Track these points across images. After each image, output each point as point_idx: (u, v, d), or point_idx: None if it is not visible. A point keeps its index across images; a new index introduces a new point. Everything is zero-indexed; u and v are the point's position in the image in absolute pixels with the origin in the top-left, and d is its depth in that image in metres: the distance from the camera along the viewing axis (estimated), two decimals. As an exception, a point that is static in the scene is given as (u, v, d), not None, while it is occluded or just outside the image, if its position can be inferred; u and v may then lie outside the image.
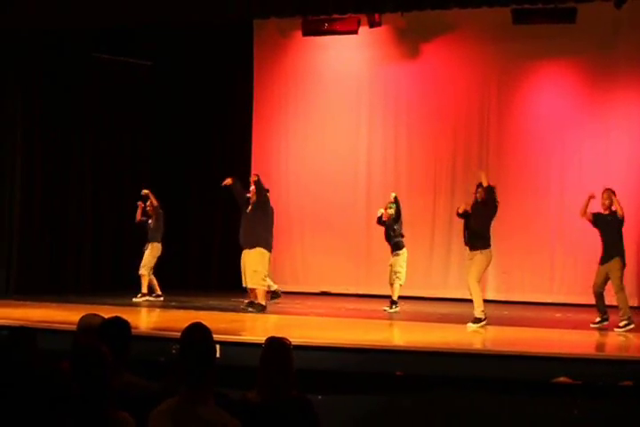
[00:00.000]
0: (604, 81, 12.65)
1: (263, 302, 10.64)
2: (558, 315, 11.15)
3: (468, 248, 9.73)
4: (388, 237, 11.24)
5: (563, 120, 12.85)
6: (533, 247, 12.65)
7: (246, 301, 10.93)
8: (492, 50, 13.01)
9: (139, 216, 12.28)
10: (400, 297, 11.29)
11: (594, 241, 12.40)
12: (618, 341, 9.04)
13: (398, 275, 11.06)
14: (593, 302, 9.86)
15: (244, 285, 10.90)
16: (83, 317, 4.71)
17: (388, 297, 11.19)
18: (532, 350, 7.67)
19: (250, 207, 10.77)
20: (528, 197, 12.88)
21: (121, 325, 4.39)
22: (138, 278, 12.08)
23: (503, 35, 12.76)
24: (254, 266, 10.58)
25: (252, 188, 10.82)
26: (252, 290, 10.73)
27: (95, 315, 4.71)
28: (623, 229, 9.72)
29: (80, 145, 13.04)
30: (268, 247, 10.70)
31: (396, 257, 11.13)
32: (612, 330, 9.21)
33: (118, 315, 4.51)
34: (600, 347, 8.83)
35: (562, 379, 6.97)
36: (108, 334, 4.22)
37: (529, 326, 9.64)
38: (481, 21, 12.62)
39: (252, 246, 10.64)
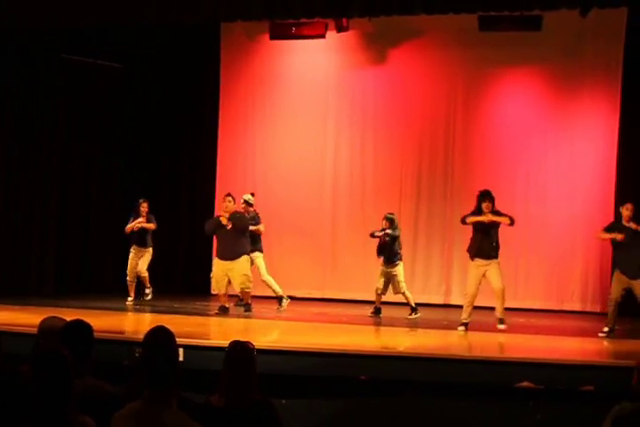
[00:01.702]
0: (569, 89, 12.76)
1: (250, 301, 11.01)
2: (521, 320, 11.21)
3: (481, 258, 9.80)
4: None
5: (528, 127, 12.92)
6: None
7: (232, 304, 11.17)
8: (458, 56, 13.06)
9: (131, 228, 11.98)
10: (364, 302, 11.31)
11: (557, 247, 12.58)
12: (578, 346, 9.12)
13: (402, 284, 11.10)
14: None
15: (214, 292, 11.34)
16: (44, 320, 4.66)
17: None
18: (496, 354, 7.72)
19: (230, 225, 10.83)
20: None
21: (83, 328, 4.35)
22: (101, 281, 11.98)
23: (469, 41, 12.82)
24: (244, 271, 10.86)
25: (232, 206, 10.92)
26: (224, 294, 10.96)
27: (56, 318, 4.66)
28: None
29: (47, 146, 12.88)
30: (248, 252, 11.13)
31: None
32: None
33: (80, 318, 4.47)
34: (561, 352, 8.89)
35: (524, 384, 7.02)
36: (69, 337, 4.18)
37: (492, 331, 9.67)
38: (447, 28, 12.67)
39: (238, 257, 10.85)
